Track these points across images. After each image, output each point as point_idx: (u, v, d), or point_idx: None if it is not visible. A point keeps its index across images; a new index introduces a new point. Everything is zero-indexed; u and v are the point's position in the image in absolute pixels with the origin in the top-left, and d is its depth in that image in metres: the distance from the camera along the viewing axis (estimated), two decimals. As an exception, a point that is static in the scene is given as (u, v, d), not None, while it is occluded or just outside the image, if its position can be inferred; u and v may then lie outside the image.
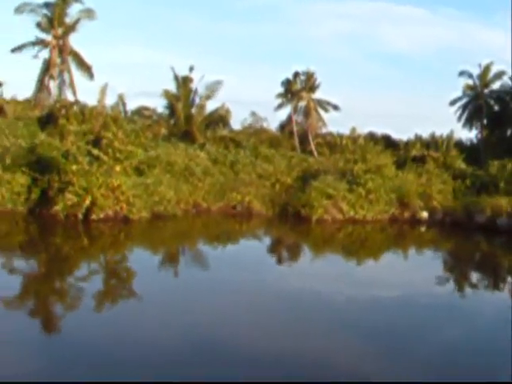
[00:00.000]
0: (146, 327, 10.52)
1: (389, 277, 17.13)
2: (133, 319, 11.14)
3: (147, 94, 76.76)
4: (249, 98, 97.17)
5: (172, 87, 46.39)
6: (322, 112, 57.45)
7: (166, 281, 14.90)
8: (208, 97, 45.61)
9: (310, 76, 56.06)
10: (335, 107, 57.20)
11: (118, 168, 23.35)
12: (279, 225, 27.58)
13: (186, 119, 45.03)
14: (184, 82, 46.26)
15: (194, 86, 46.32)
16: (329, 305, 13.00)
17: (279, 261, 19.97)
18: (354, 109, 77.92)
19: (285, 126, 58.43)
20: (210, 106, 46.96)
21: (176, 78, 46.26)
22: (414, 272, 17.93)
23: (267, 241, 24.77)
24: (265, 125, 60.15)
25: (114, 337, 10.01)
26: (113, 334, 10.16)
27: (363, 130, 55.72)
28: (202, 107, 46.20)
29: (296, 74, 56.10)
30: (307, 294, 13.78)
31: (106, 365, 8.61)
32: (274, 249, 22.56)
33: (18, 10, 49.16)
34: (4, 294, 12.35)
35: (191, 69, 46.03)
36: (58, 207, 22.15)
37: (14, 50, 50.05)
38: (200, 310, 11.77)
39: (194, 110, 46.08)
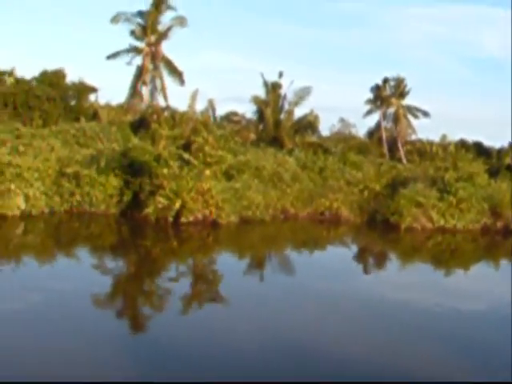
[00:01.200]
0: (232, 330, 10.55)
1: (480, 288, 16.62)
2: (219, 322, 11.20)
3: (236, 99, 77.57)
4: (337, 104, 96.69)
5: (261, 93, 46.62)
6: (411, 118, 56.45)
7: (252, 285, 14.92)
8: (297, 103, 45.56)
9: (399, 82, 55.24)
10: (425, 114, 56.06)
11: (208, 172, 23.60)
12: (367, 232, 27.22)
13: (274, 125, 45.12)
14: (273, 88, 46.39)
15: (282, 91, 46.38)
16: (418, 315, 12.69)
17: (366, 269, 19.71)
18: (445, 115, 76.00)
19: (373, 133, 57.73)
20: (299, 112, 46.93)
21: (265, 83, 46.46)
22: (506, 285, 17.31)
23: (355, 248, 24.49)
24: (353, 131, 59.70)
25: (200, 338, 10.08)
26: (199, 336, 10.25)
27: (454, 137, 54.39)
28: (290, 113, 46.20)
29: (385, 80, 55.39)
30: (394, 304, 13.53)
31: (193, 365, 8.67)
32: (361, 256, 22.28)
33: (114, 19, 50.67)
34: (96, 293, 12.70)
35: (280, 75, 46.14)
36: (148, 210, 22.57)
37: (109, 57, 51.56)
38: (284, 315, 11.73)
39: (282, 116, 46.13)
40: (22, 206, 21.87)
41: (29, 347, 9.08)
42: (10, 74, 49.16)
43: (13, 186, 21.69)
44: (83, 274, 15.26)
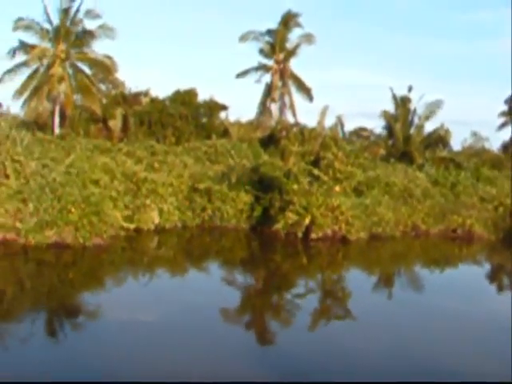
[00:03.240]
0: (358, 347, 10.37)
1: None
2: (346, 338, 11.06)
3: (365, 114, 77.13)
4: (468, 118, 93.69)
5: (390, 108, 46.00)
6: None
7: (381, 303, 14.64)
8: (427, 117, 44.53)
9: (535, 93, 52.94)
10: None
11: (337, 188, 23.48)
12: (503, 251, 26.09)
13: (404, 140, 44.35)
14: (402, 103, 45.64)
15: (412, 106, 45.54)
16: None
17: (501, 289, 18.85)
18: None
19: (508, 146, 55.47)
20: (429, 126, 45.87)
21: (394, 98, 45.80)
22: None
23: (489, 267, 23.52)
24: (486, 145, 57.56)
25: (326, 354, 9.97)
26: (325, 351, 10.14)
27: None
28: (420, 128, 45.24)
29: (521, 92, 53.23)
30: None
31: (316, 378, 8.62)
32: (496, 276, 21.33)
33: (243, 38, 51.77)
34: (225, 306, 12.90)
35: (410, 89, 45.35)
36: (278, 225, 22.70)
37: (238, 76, 52.66)
38: (412, 334, 11.40)
39: (412, 131, 45.26)
40: (157, 220, 22.63)
41: (160, 356, 9.29)
42: (146, 94, 51.32)
43: (148, 201, 22.49)
44: (213, 287, 15.55)
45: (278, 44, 52.19)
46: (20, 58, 45.71)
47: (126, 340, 10.23)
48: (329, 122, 43.79)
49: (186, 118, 46.42)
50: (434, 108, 43.98)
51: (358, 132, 49.98)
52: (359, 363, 9.52)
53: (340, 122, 46.55)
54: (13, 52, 45.24)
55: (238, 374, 8.74)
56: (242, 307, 13.88)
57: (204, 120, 49.83)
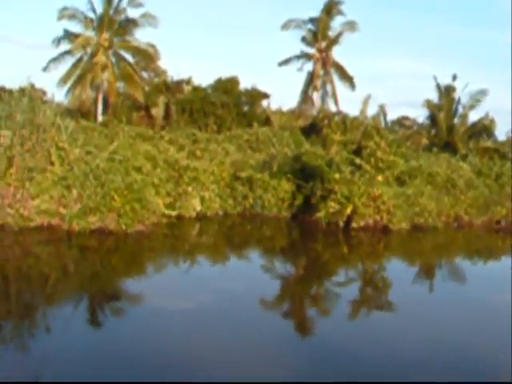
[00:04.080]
0: (397, 337, 10.28)
1: None
2: (386, 329, 10.96)
3: (407, 103, 76.41)
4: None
5: (434, 97, 45.46)
6: None
7: (421, 294, 14.48)
8: (472, 106, 43.97)
9: None
10: None
11: (379, 178, 23.31)
12: (548, 242, 25.61)
13: (447, 129, 43.84)
14: (446, 92, 45.10)
15: (456, 95, 44.95)
16: None
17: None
18: None
19: (555, 137, 54.36)
20: (473, 116, 45.26)
21: (438, 87, 45.26)
22: None
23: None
24: (532, 135, 56.43)
25: (366, 344, 9.91)
26: (365, 341, 10.08)
27: None
28: (464, 117, 44.67)
29: None
30: None
31: (352, 369, 8.57)
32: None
33: (285, 26, 51.73)
34: (264, 294, 12.91)
35: (454, 78, 44.81)
36: (320, 214, 22.64)
37: (280, 64, 52.68)
38: (453, 326, 11.23)
39: (456, 120, 44.71)
40: (198, 207, 22.78)
41: (198, 344, 9.34)
42: (188, 82, 51.61)
43: (190, 189, 22.65)
44: (253, 274, 15.58)
45: (320, 32, 52.01)
46: (64, 46, 46.50)
47: (166, 326, 10.30)
48: (371, 110, 43.63)
49: (228, 106, 46.57)
50: (478, 97, 43.42)
51: (401, 121, 49.56)
52: (398, 355, 9.44)
53: (382, 110, 46.33)
54: (57, 41, 45.99)
55: (275, 363, 8.75)
56: (282, 295, 13.87)
57: (246, 108, 49.96)
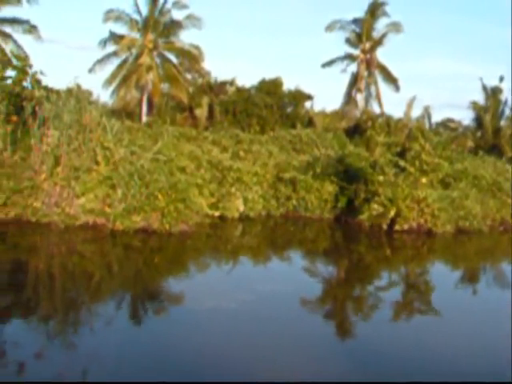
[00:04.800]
0: (440, 343, 10.13)
1: None
2: (428, 334, 10.81)
3: (453, 105, 75.59)
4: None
5: (480, 99, 44.86)
6: None
7: (466, 299, 14.25)
8: (520, 108, 43.30)
9: None
10: None
11: (424, 180, 23.08)
12: None
13: (494, 132, 43.21)
14: (493, 93, 44.46)
15: (503, 97, 44.30)
16: None
17: None
18: None
19: None
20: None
21: (484, 89, 44.66)
22: None
23: None
24: None
25: (407, 348, 9.81)
26: (406, 345, 9.99)
27: None
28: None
29: None
30: None
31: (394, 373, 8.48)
32: None
33: (329, 27, 51.62)
34: (305, 296, 12.87)
35: (501, 79, 44.17)
36: (363, 216, 22.50)
37: (324, 66, 52.54)
38: (497, 333, 11.01)
39: (502, 123, 44.06)
40: (241, 208, 22.84)
41: (238, 344, 9.38)
42: (232, 83, 51.85)
43: (233, 189, 22.74)
44: (295, 276, 15.54)
45: (364, 33, 51.76)
46: (110, 48, 47.07)
47: (207, 325, 10.34)
48: (415, 112, 43.32)
49: (271, 107, 46.63)
50: (527, 98, 42.69)
51: (446, 123, 49.05)
52: (441, 360, 9.31)
53: (427, 112, 45.98)
54: (103, 42, 46.66)
55: (314, 364, 8.73)
56: (323, 297, 13.81)
57: (289, 109, 49.94)
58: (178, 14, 47.58)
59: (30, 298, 12.24)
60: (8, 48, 38.71)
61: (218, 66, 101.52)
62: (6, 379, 7.23)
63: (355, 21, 52.37)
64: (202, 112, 47.60)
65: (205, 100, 48.01)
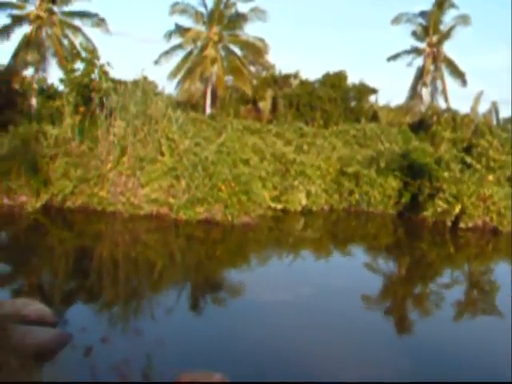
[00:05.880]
0: (501, 343, 9.91)
1: None
2: (489, 334, 10.59)
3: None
4: None
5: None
6: None
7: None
8: None
9: None
10: None
11: (490, 177, 22.57)
12: None
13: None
14: None
15: None
16: None
17: None
18: None
19: None
20: None
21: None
22: None
23: None
24: None
25: (469, 348, 9.65)
26: (467, 346, 9.83)
27: None
28: None
29: None
30: None
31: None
32: None
33: (395, 20, 50.93)
34: (365, 292, 12.74)
35: None
36: (427, 213, 22.16)
37: (389, 59, 51.89)
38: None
39: None
40: (304, 201, 22.79)
41: (293, 338, 9.38)
42: (296, 76, 51.78)
43: (296, 183, 22.71)
44: (356, 271, 15.44)
45: (431, 26, 50.89)
46: (175, 40, 47.53)
47: (265, 317, 10.40)
48: (483, 108, 42.40)
49: (335, 100, 46.39)
50: None
51: (515, 119, 47.81)
52: (503, 361, 9.12)
53: (494, 108, 44.98)
54: (169, 35, 47.13)
55: (376, 362, 8.68)
56: (384, 294, 13.68)
57: (353, 103, 49.58)
58: (243, 7, 47.81)
59: (96, 284, 12.54)
60: (77, 41, 39.50)
61: (282, 59, 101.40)
62: (76, 362, 7.43)
63: (422, 13, 51.54)
64: (265, 105, 47.71)
65: (268, 93, 48.11)
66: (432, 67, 51.75)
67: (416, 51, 52.43)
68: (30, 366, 6.49)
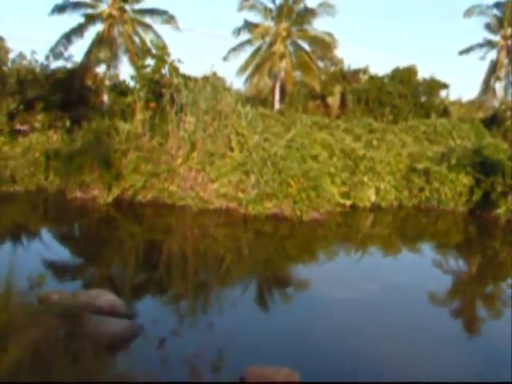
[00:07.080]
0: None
1: None
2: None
3: None
4: None
5: None
6: None
7: None
8: None
9: None
10: None
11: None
12: None
13: None
14: None
15: None
16: None
17: None
18: None
19: None
20: None
21: None
22: None
23: None
24: None
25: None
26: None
27: None
28: None
29: None
30: None
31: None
32: None
33: (468, 13, 49.73)
34: (433, 290, 12.54)
35: None
36: (499, 211, 21.66)
37: (461, 53, 50.74)
38: None
39: None
40: (373, 198, 22.55)
41: (359, 335, 9.37)
42: (365, 71, 51.25)
43: (365, 179, 22.47)
44: (424, 269, 15.23)
45: (506, 18, 49.44)
46: (244, 36, 47.69)
47: (331, 313, 10.39)
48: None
49: (405, 96, 45.69)
50: None
51: None
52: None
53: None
54: (237, 31, 47.32)
55: (443, 360, 8.55)
56: (452, 293, 13.43)
57: (423, 99, 48.74)
58: (311, 2, 47.67)
59: (165, 277, 12.75)
60: (148, 38, 40.02)
61: (351, 54, 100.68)
62: (150, 354, 7.56)
63: (497, 5, 50.18)
64: (334, 100, 47.44)
65: (337, 88, 47.80)
66: (506, 60, 50.38)
67: (489, 44, 51.14)
68: (105, 355, 6.62)
